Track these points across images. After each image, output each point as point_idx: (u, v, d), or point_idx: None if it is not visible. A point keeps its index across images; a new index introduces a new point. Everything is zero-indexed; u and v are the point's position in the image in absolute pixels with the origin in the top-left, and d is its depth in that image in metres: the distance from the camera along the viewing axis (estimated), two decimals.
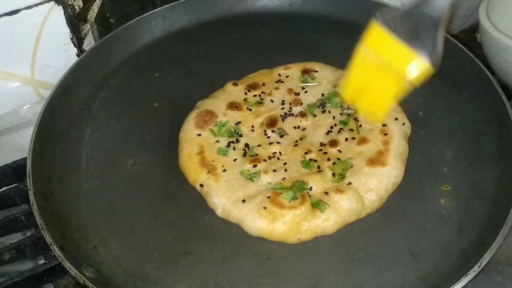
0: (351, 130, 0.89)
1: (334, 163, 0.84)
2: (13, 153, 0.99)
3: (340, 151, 0.86)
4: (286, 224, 0.77)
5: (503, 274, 0.80)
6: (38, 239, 0.85)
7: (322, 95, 0.94)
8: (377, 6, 0.97)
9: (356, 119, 0.90)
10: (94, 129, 0.93)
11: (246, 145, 0.88)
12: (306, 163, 0.85)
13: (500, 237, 0.72)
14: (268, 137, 0.90)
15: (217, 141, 0.88)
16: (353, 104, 0.87)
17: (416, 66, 0.74)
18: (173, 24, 1.11)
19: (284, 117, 0.92)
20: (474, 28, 1.34)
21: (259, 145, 0.88)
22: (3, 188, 0.96)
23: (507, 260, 0.81)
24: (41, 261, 0.87)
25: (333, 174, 0.83)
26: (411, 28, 0.74)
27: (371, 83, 0.79)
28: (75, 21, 1.07)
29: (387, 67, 0.76)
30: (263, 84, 0.97)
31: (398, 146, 0.85)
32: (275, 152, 0.87)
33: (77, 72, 0.98)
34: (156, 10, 1.09)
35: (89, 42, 1.11)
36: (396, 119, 0.89)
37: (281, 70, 1.00)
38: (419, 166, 0.86)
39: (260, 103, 0.94)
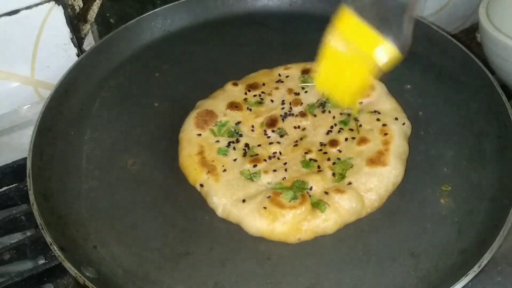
0: (351, 130, 0.89)
1: (334, 163, 0.84)
2: (13, 153, 0.99)
3: (340, 151, 0.86)
4: (286, 224, 0.77)
5: (503, 274, 0.80)
6: (38, 239, 0.85)
7: (322, 95, 0.94)
8: None
9: (356, 119, 0.90)
10: (94, 129, 0.93)
11: (246, 145, 0.88)
12: (306, 163, 0.85)
13: (500, 237, 0.72)
14: (268, 137, 0.90)
15: (217, 141, 0.88)
16: (326, 93, 0.89)
17: (384, 51, 0.74)
18: (173, 24, 1.11)
19: (284, 117, 0.92)
20: (474, 28, 1.35)
21: (259, 145, 0.88)
22: (3, 188, 0.96)
23: (507, 260, 0.81)
24: (41, 261, 0.87)
25: (333, 174, 0.83)
26: (381, 14, 0.73)
27: (342, 70, 0.79)
28: (75, 21, 1.07)
29: (356, 52, 0.75)
30: (263, 84, 0.97)
31: (398, 146, 0.85)
32: (275, 152, 0.87)
33: (77, 72, 0.98)
34: (156, 10, 1.09)
35: (89, 42, 1.10)
36: (396, 119, 0.89)
37: (281, 70, 0.99)
38: (419, 166, 0.86)
39: (260, 103, 0.94)
